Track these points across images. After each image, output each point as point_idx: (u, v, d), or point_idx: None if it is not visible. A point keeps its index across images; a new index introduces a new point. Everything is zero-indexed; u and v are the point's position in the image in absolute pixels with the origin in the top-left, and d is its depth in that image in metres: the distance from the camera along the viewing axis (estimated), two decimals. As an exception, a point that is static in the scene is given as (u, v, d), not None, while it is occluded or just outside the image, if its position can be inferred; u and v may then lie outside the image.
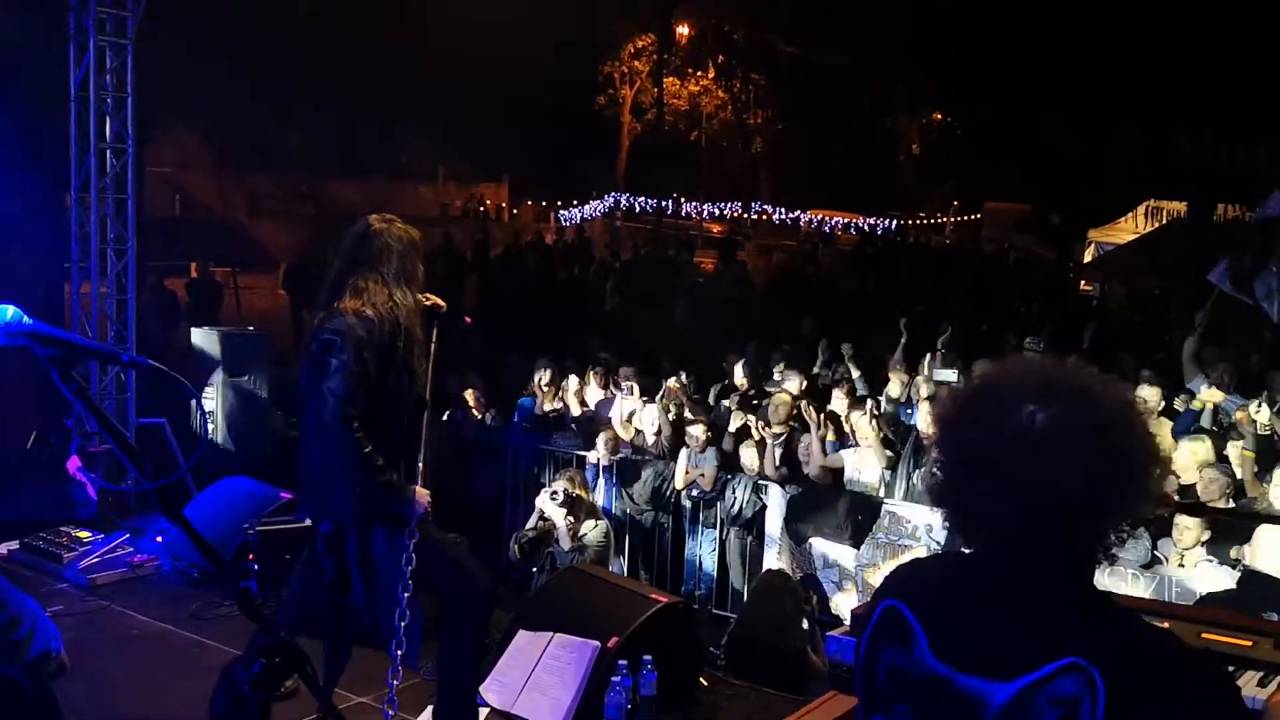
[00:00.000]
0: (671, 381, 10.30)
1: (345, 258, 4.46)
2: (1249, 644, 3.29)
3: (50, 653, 3.76)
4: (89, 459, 8.01)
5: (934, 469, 1.98)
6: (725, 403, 10.38)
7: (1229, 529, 6.93)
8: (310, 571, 4.61)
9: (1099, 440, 1.80)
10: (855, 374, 10.84)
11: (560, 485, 8.01)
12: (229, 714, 5.04)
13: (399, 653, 4.43)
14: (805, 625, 6.90)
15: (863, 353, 11.85)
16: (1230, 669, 3.17)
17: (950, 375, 10.32)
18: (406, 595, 4.37)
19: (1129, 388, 1.90)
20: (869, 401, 9.48)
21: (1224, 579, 6.46)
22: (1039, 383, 1.86)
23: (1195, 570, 6.62)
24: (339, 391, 4.21)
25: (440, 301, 4.73)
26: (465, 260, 20.54)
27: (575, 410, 10.31)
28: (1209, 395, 9.06)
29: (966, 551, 1.96)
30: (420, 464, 4.51)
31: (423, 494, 4.39)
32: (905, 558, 7.67)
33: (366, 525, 4.38)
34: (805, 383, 10.59)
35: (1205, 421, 8.72)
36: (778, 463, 8.89)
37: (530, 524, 8.10)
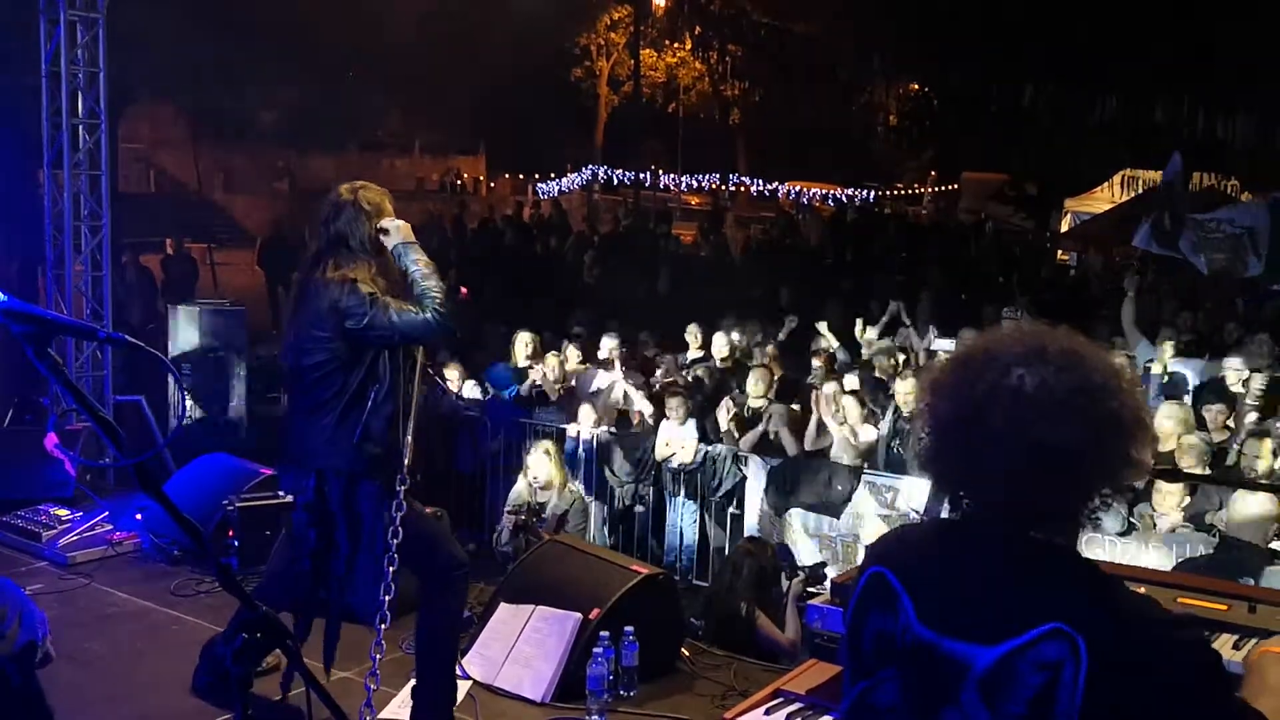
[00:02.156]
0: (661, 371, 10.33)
1: (321, 229, 4.47)
2: (1224, 608, 3.34)
3: (36, 642, 3.74)
4: (67, 436, 7.97)
5: (921, 433, 2.00)
6: (694, 372, 10.41)
7: (1205, 496, 6.99)
8: (290, 546, 4.61)
9: (1085, 404, 1.83)
10: (834, 344, 10.86)
11: (539, 466, 7.98)
12: (211, 690, 5.06)
13: (383, 627, 4.44)
14: (770, 593, 6.95)
15: (841, 324, 11.90)
16: (1205, 633, 3.21)
17: (947, 344, 10.37)
18: (392, 569, 4.37)
19: (1119, 355, 1.93)
20: (848, 377, 9.55)
21: (1199, 545, 6.53)
22: (1028, 347, 1.88)
23: (1171, 536, 6.68)
24: (401, 319, 4.28)
25: None
26: (447, 234, 20.42)
27: (555, 383, 10.30)
28: (1164, 356, 9.16)
29: (952, 518, 1.98)
30: (408, 442, 4.51)
31: None
32: (885, 528, 7.73)
33: (355, 485, 4.38)
34: (778, 354, 10.62)
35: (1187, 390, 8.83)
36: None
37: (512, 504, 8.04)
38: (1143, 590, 3.23)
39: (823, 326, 11.29)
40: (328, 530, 4.41)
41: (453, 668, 4.80)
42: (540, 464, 7.94)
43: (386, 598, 4.41)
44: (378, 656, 4.45)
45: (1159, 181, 10.66)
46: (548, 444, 8.20)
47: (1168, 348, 9.45)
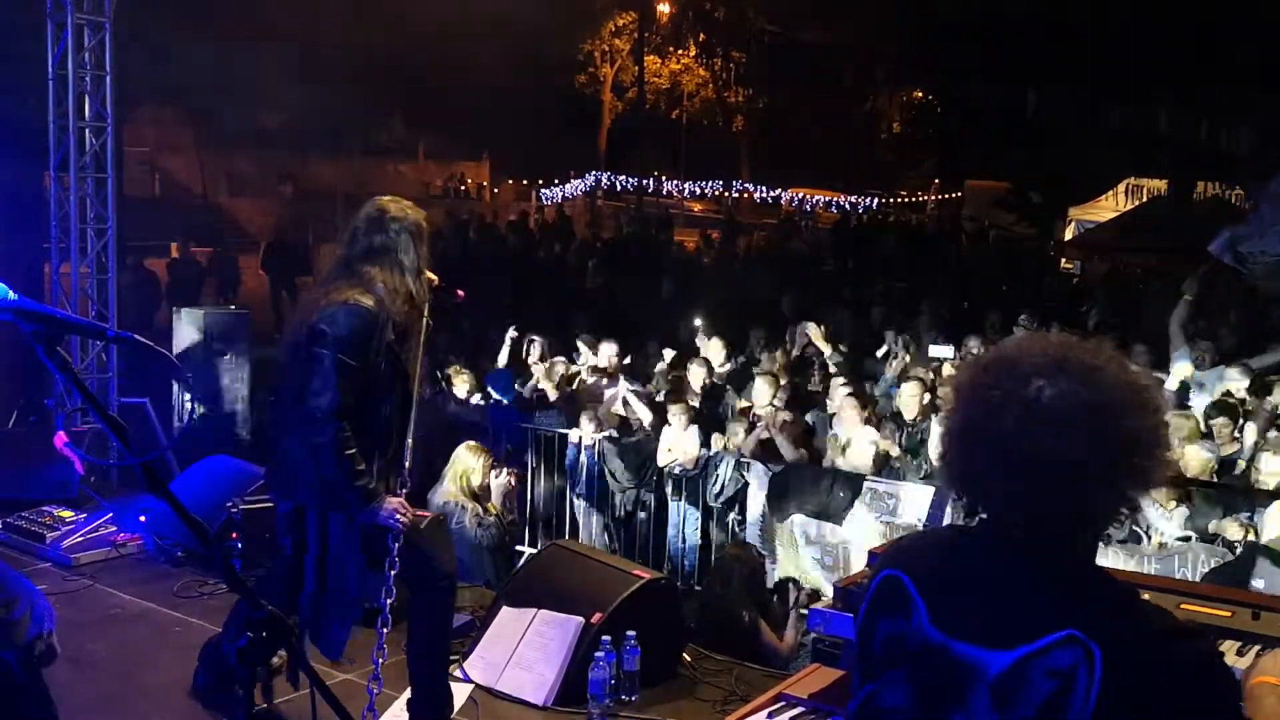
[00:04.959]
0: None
1: (357, 242, 4.36)
2: (1228, 614, 3.34)
3: (43, 633, 3.75)
4: (73, 437, 7.99)
5: (942, 437, 2.02)
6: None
7: (1210, 505, 6.99)
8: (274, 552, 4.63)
9: (1096, 420, 1.82)
10: (827, 350, 10.86)
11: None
12: (211, 691, 5.05)
13: (385, 630, 4.43)
14: (765, 598, 6.96)
15: (845, 332, 11.91)
16: (1219, 645, 3.22)
17: (946, 351, 10.35)
18: (393, 573, 4.36)
19: (1146, 371, 1.94)
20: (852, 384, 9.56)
21: (1201, 554, 6.53)
22: (1051, 358, 1.88)
23: (1175, 546, 6.68)
24: (327, 389, 4.12)
25: (433, 276, 4.71)
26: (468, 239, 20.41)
27: (552, 390, 10.30)
28: (1180, 370, 9.15)
29: (967, 524, 1.99)
30: (408, 445, 4.49)
31: (393, 503, 4.30)
32: (888, 535, 7.73)
33: (325, 512, 4.35)
34: (785, 362, 10.65)
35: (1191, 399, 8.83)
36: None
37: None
38: (1146, 596, 3.23)
39: (812, 330, 11.25)
40: (304, 539, 4.40)
41: (445, 675, 4.79)
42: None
43: (389, 601, 4.40)
44: (380, 660, 4.45)
45: (1255, 194, 10.42)
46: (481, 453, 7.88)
47: (1184, 366, 9.46)
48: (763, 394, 9.32)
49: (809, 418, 9.49)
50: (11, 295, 1.95)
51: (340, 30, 24.65)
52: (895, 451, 8.48)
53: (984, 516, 1.95)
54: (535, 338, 10.89)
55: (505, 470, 7.91)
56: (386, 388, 4.35)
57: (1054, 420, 1.83)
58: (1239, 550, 6.43)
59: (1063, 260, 23.64)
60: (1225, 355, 9.92)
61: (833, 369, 10.52)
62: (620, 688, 5.16)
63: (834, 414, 9.02)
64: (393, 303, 4.27)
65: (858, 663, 2.05)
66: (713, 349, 11.07)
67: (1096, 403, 1.83)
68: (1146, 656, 1.74)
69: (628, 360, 10.74)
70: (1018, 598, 1.85)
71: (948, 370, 9.63)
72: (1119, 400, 1.84)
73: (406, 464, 4.49)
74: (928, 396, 8.72)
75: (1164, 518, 6.77)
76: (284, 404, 4.40)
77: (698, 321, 12.13)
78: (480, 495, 7.58)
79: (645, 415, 9.42)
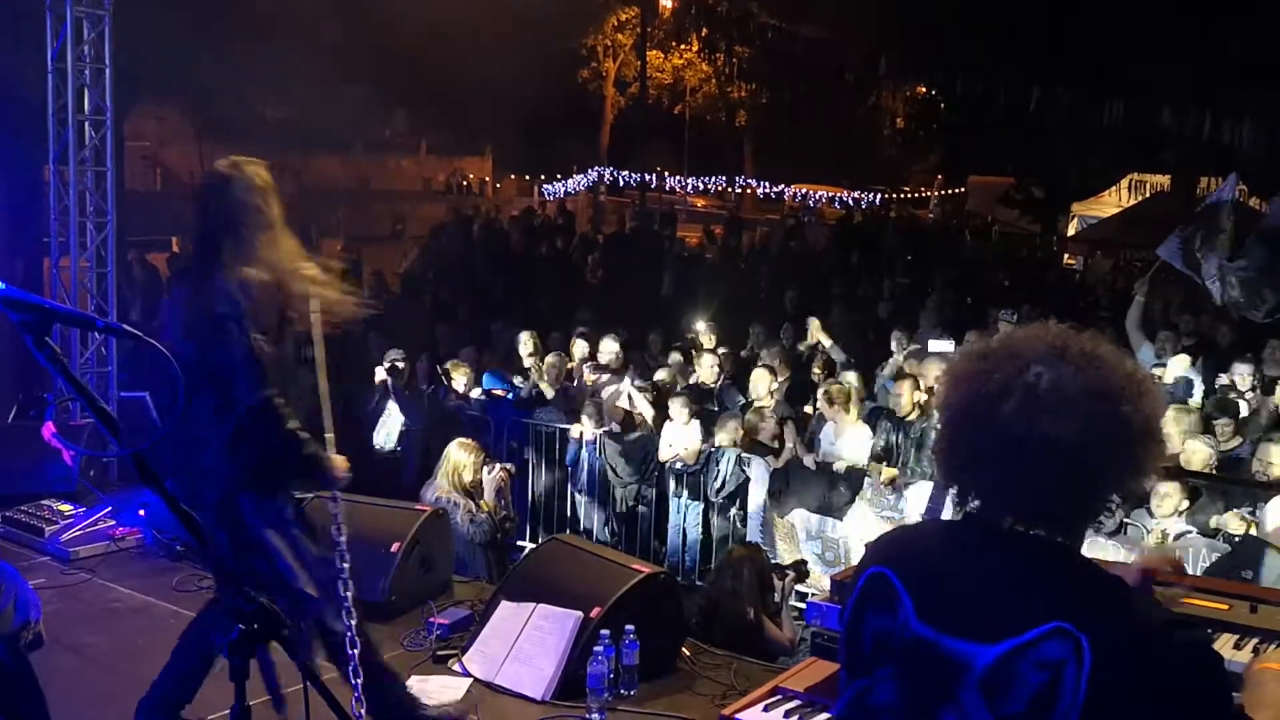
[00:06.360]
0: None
1: (209, 216, 4.20)
2: (1225, 608, 3.33)
3: (30, 622, 3.75)
4: (69, 430, 7.97)
5: (938, 425, 2.02)
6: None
7: (1210, 501, 6.97)
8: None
9: (1094, 405, 1.83)
10: (828, 344, 10.84)
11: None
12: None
13: (351, 623, 4.22)
14: (770, 596, 6.93)
15: (847, 327, 11.89)
16: (1208, 632, 3.21)
17: (947, 345, 10.34)
18: (346, 566, 4.20)
19: (1140, 363, 1.94)
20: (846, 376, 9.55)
21: (1202, 549, 6.51)
22: (1050, 346, 1.89)
23: (1174, 541, 6.66)
24: (253, 369, 3.98)
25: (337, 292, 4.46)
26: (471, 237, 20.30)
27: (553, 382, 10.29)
28: (1176, 365, 9.16)
29: (954, 519, 1.98)
30: (330, 434, 4.30)
31: (340, 461, 4.19)
32: (888, 529, 7.71)
33: (235, 494, 4.08)
34: (785, 357, 10.64)
35: (1192, 394, 8.83)
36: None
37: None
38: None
39: (814, 326, 11.21)
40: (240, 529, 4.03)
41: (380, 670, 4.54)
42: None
43: (348, 595, 4.20)
44: (354, 652, 4.34)
45: (1207, 198, 10.45)
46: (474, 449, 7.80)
47: (1183, 357, 9.48)
48: (758, 388, 9.32)
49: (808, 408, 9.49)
50: (-1, 284, 1.93)
51: (342, 24, 24.58)
52: (895, 473, 8.45)
53: (972, 508, 1.94)
54: (532, 334, 10.85)
55: (498, 466, 7.87)
56: (292, 368, 4.23)
57: (1053, 405, 1.83)
58: (1239, 544, 6.42)
59: (1065, 256, 23.64)
60: (1226, 353, 9.94)
61: (837, 364, 10.51)
62: (619, 682, 5.15)
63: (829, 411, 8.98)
64: (272, 273, 4.13)
65: (846, 659, 2.04)
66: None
67: (1095, 389, 1.84)
68: (1136, 648, 1.73)
69: (629, 355, 10.73)
70: (1005, 590, 1.84)
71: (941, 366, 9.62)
72: (1117, 387, 1.85)
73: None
74: (921, 394, 8.71)
75: (1164, 511, 6.75)
76: (194, 404, 4.11)
77: (699, 325, 12.12)
78: (472, 492, 7.56)
79: (648, 410, 9.41)
